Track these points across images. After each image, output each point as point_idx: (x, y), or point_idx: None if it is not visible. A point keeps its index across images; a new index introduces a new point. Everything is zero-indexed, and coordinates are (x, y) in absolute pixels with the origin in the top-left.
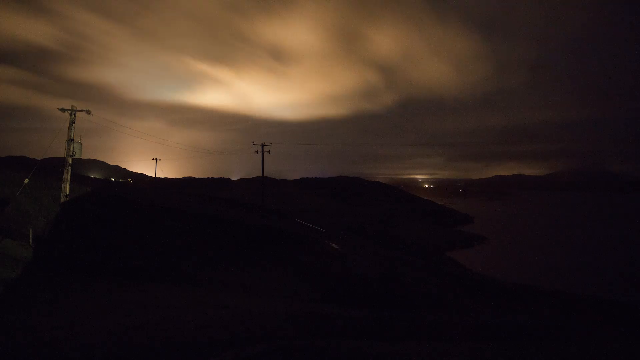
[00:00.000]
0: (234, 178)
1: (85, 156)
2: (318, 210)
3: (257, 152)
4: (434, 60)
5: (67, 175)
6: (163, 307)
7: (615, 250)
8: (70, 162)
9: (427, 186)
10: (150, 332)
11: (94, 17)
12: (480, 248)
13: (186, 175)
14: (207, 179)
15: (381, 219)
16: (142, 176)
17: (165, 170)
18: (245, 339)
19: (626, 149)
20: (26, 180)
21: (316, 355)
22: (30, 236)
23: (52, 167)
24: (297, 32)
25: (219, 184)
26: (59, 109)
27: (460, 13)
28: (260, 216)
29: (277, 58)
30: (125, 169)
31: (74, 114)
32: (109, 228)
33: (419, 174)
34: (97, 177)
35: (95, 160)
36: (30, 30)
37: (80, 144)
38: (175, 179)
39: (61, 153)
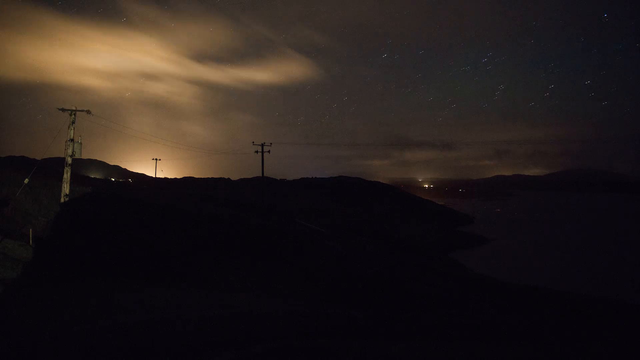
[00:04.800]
0: (234, 178)
1: (85, 156)
2: (318, 210)
3: (256, 152)
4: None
5: (67, 175)
6: (163, 307)
7: (615, 250)
8: (70, 162)
9: (427, 186)
10: (150, 332)
11: None
12: (480, 248)
13: (186, 175)
14: (207, 178)
15: (381, 219)
16: (142, 176)
17: (165, 170)
18: (245, 339)
19: (626, 149)
20: (26, 180)
21: (316, 355)
22: (30, 236)
23: (52, 167)
24: None
25: (219, 183)
26: (59, 109)
27: None
28: (261, 216)
29: None
30: (125, 169)
31: (74, 114)
32: (108, 228)
33: (419, 174)
34: (97, 177)
35: (95, 160)
36: None
37: (80, 144)
38: (175, 179)
39: (61, 153)
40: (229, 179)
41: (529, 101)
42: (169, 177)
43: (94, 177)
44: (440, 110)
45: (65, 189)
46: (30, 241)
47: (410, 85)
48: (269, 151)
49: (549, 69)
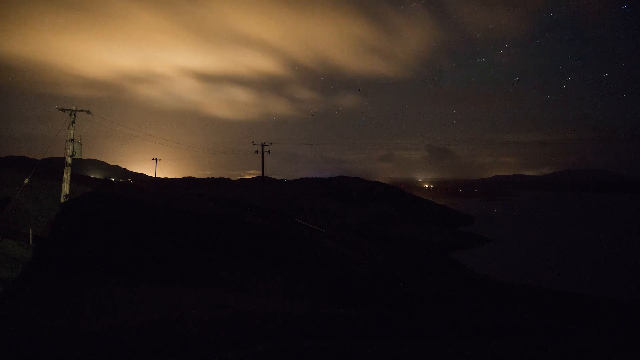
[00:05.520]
0: (234, 178)
1: (85, 156)
2: (318, 210)
3: (257, 152)
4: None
5: (67, 175)
6: (163, 307)
7: (616, 250)
8: (70, 162)
9: (427, 186)
10: (150, 332)
11: None
12: (480, 248)
13: (186, 175)
14: (207, 179)
15: (381, 219)
16: (142, 176)
17: (165, 170)
18: (246, 339)
19: (626, 149)
20: (26, 180)
21: (316, 355)
22: (30, 236)
23: (52, 167)
24: None
25: (219, 183)
26: (59, 109)
27: None
28: (260, 216)
29: None
30: (125, 169)
31: (74, 114)
32: (108, 228)
33: (419, 174)
34: (97, 177)
35: (95, 160)
36: None
37: (81, 144)
38: (175, 179)
39: (61, 153)
40: (228, 179)
41: (545, 93)
42: (169, 177)
43: (94, 177)
44: (455, 103)
45: (65, 189)
46: (30, 241)
47: (423, 77)
48: (269, 151)
49: (566, 61)
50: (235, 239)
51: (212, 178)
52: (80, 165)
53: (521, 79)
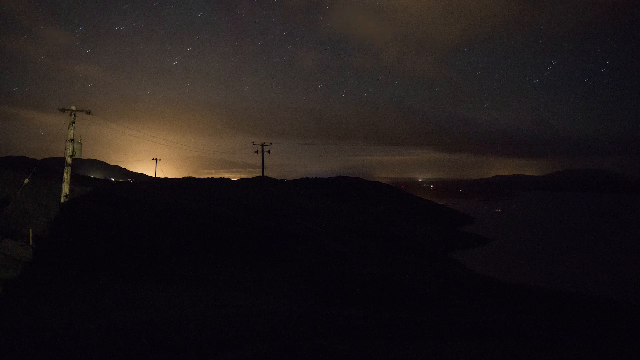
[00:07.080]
0: (234, 178)
1: (85, 156)
2: (318, 210)
3: (256, 152)
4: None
5: (67, 175)
6: (163, 307)
7: (615, 250)
8: (70, 162)
9: (427, 186)
10: (150, 332)
11: None
12: (480, 248)
13: (186, 175)
14: (207, 179)
15: (381, 219)
16: (142, 176)
17: (165, 170)
18: (245, 339)
19: (626, 149)
20: (26, 180)
21: (316, 355)
22: (30, 236)
23: (52, 167)
24: None
25: (219, 183)
26: (59, 109)
27: None
28: (260, 216)
29: None
30: (125, 169)
31: (74, 114)
32: (108, 228)
33: (419, 174)
34: (97, 177)
35: (95, 160)
36: None
37: (80, 144)
38: (175, 179)
39: (61, 153)
40: (228, 178)
41: (582, 77)
42: (169, 177)
43: (94, 177)
44: (488, 85)
45: (65, 189)
46: (30, 241)
47: (456, 59)
48: (269, 151)
49: (606, 43)
50: (235, 239)
51: (212, 178)
52: (80, 165)
53: (558, 61)
